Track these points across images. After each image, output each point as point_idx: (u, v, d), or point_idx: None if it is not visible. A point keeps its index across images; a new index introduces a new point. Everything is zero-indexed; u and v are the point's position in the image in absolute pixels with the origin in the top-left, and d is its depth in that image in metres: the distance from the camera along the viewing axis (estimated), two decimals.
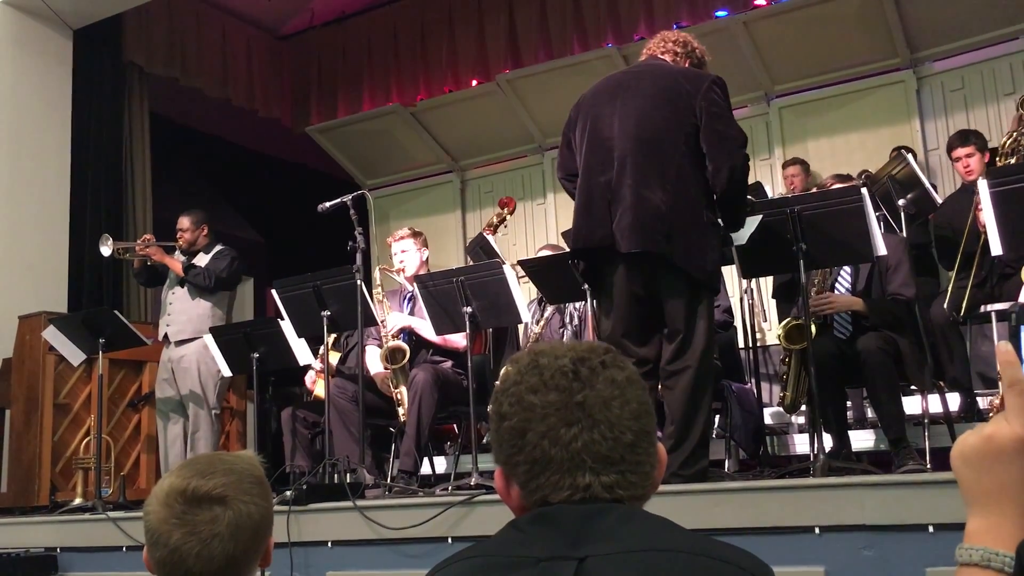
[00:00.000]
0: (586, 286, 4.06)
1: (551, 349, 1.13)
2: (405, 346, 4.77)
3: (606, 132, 3.52)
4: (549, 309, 5.11)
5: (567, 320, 5.03)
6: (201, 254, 5.71)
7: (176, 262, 5.66)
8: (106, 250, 5.68)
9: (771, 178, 6.97)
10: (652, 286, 3.47)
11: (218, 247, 5.74)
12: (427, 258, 5.15)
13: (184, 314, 5.62)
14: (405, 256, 5.06)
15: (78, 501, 5.15)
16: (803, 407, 4.22)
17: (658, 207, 3.35)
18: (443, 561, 1.12)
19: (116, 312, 5.24)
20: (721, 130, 3.41)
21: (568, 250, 4.66)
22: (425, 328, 4.73)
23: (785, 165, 6.59)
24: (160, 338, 5.72)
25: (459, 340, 4.70)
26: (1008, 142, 4.84)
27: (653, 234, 3.36)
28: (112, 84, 7.47)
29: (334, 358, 5.22)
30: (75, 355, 5.24)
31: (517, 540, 1.07)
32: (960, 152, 4.96)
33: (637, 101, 3.50)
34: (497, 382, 1.18)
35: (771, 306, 5.62)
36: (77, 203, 6.93)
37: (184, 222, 5.76)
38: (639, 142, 3.43)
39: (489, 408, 1.17)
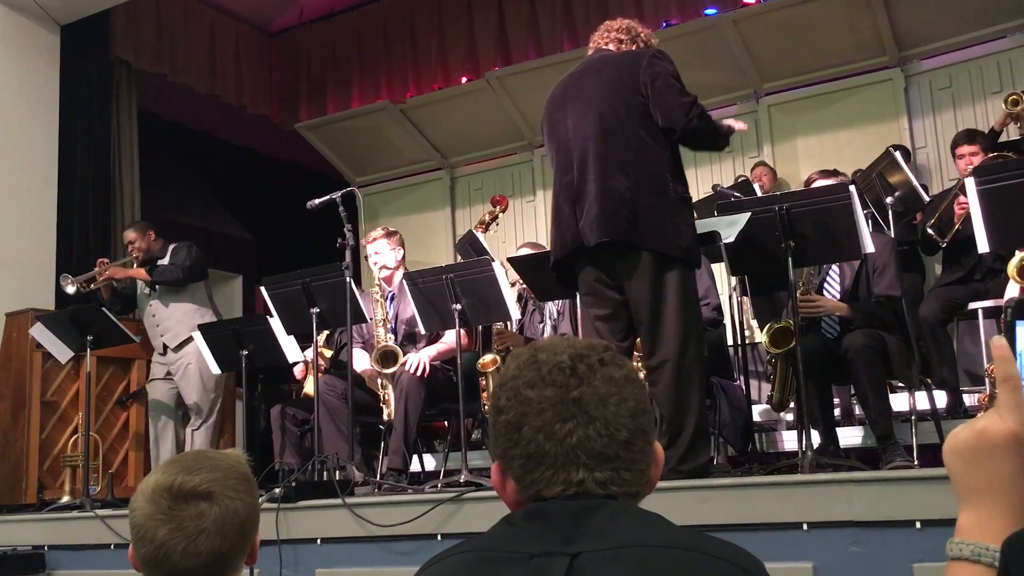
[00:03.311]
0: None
1: (551, 345, 1.14)
2: (397, 349, 4.75)
3: (562, 136, 3.56)
4: (529, 305, 5.13)
5: (547, 315, 5.05)
6: (160, 263, 5.75)
7: (139, 271, 5.73)
8: (71, 288, 5.71)
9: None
10: (617, 276, 3.47)
11: (172, 245, 5.77)
12: (403, 257, 5.12)
13: (171, 319, 5.66)
14: (379, 257, 5.04)
15: (66, 499, 5.13)
16: (791, 405, 4.23)
17: (621, 193, 3.36)
18: (436, 556, 1.13)
19: (104, 309, 5.23)
20: (670, 100, 3.42)
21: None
22: (441, 348, 4.77)
23: (753, 167, 6.65)
24: (159, 351, 5.75)
25: (449, 343, 4.69)
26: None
27: (619, 221, 3.36)
28: (100, 80, 7.43)
29: (327, 355, 5.22)
30: (63, 352, 5.21)
31: (510, 535, 1.07)
32: (965, 150, 4.98)
33: (584, 98, 3.53)
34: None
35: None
36: (65, 200, 6.90)
37: (130, 235, 5.86)
38: (595, 136, 3.45)
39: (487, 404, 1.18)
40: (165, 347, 5.69)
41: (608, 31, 3.75)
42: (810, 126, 7.01)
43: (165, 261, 5.71)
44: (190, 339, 5.51)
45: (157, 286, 5.69)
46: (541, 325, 5.06)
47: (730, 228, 3.65)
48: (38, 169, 6.74)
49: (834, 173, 4.71)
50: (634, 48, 3.68)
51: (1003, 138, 5.58)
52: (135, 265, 5.76)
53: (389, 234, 5.13)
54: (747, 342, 5.20)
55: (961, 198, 4.56)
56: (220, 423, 5.78)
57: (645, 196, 3.38)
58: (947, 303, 4.73)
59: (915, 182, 5.14)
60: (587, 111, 3.50)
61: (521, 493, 1.11)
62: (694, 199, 6.00)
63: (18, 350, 5.74)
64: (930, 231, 4.76)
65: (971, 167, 4.84)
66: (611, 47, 3.71)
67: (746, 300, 5.12)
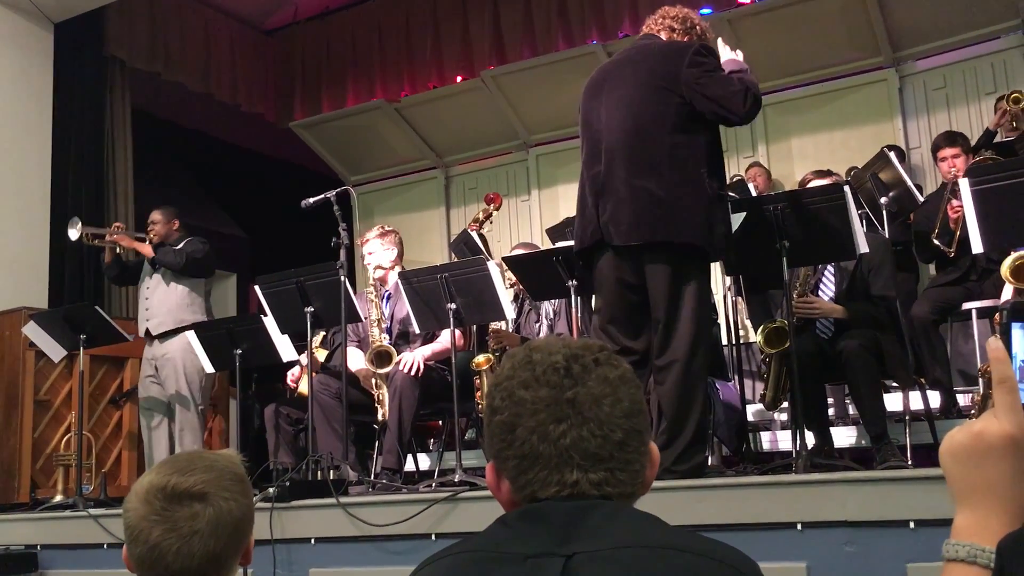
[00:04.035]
0: (571, 283, 4.07)
1: (546, 345, 1.13)
2: (392, 349, 4.74)
3: (595, 125, 3.53)
4: (525, 305, 5.12)
5: (543, 315, 5.04)
6: (169, 245, 5.69)
7: (144, 246, 5.66)
8: (74, 233, 5.67)
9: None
10: (641, 274, 3.46)
11: (189, 238, 5.74)
12: (397, 256, 5.08)
13: (163, 305, 5.60)
14: (372, 258, 5.03)
15: (59, 498, 5.12)
16: (784, 404, 4.24)
17: (654, 193, 3.33)
18: (432, 556, 1.13)
19: (97, 308, 5.21)
20: (722, 93, 3.35)
21: (551, 247, 4.69)
22: (436, 347, 4.76)
23: (748, 168, 6.67)
24: (142, 334, 5.68)
25: (445, 343, 4.68)
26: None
27: (652, 222, 3.34)
28: (94, 78, 7.41)
29: (321, 355, 5.20)
30: (56, 351, 5.19)
31: (505, 536, 1.07)
32: (947, 152, 5.00)
33: (621, 91, 3.49)
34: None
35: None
36: (58, 198, 6.88)
37: (156, 215, 5.77)
38: (626, 132, 3.41)
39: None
40: (149, 334, 5.64)
41: (664, 17, 3.67)
42: (805, 126, 7.02)
43: (176, 247, 5.68)
44: (174, 332, 5.50)
45: (159, 268, 5.66)
46: (537, 325, 5.05)
47: None
48: (31, 167, 6.72)
49: (828, 173, 4.71)
50: (686, 40, 3.62)
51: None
52: (146, 242, 5.74)
53: (383, 234, 5.10)
54: (741, 342, 5.21)
55: (954, 202, 4.57)
56: (203, 422, 5.72)
57: (679, 194, 3.34)
58: (939, 304, 4.74)
59: (909, 183, 5.15)
60: (621, 104, 3.46)
61: (516, 494, 1.11)
62: None
63: (11, 349, 5.72)
64: (937, 242, 4.76)
65: (954, 169, 4.88)
66: (663, 35, 3.65)
67: (740, 300, 5.13)
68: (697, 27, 3.68)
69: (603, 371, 1.10)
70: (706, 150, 3.43)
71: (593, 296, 3.84)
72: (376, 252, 5.02)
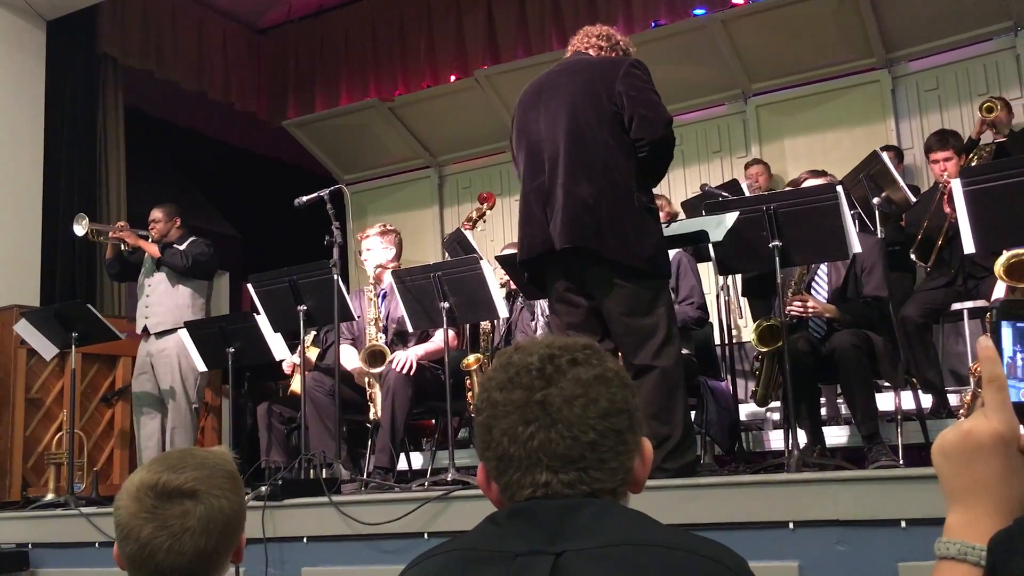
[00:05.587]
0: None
1: (528, 346, 1.14)
2: (385, 348, 4.73)
3: (534, 136, 3.53)
4: (519, 303, 5.11)
5: (538, 313, 5.03)
6: (174, 246, 5.68)
7: (151, 245, 5.66)
8: (80, 229, 5.66)
9: None
10: (587, 288, 3.46)
11: (192, 238, 5.73)
12: (395, 255, 5.07)
13: (163, 304, 5.59)
14: (370, 255, 5.02)
15: (50, 497, 5.10)
16: (774, 402, 4.25)
17: (585, 200, 3.34)
18: (422, 554, 1.13)
19: (89, 306, 5.18)
20: (644, 113, 3.39)
21: None
22: (430, 347, 4.74)
23: (748, 165, 6.67)
24: (139, 331, 5.68)
25: (439, 343, 4.67)
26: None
27: (582, 229, 3.34)
28: (86, 76, 7.40)
29: (313, 354, 5.19)
30: (47, 349, 5.18)
31: (495, 534, 1.07)
32: (939, 155, 5.01)
33: (559, 100, 3.50)
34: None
35: (746, 303, 5.64)
36: (50, 196, 6.86)
37: (156, 214, 5.76)
38: (566, 140, 3.42)
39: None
40: (146, 330, 5.63)
41: (588, 36, 3.73)
42: (798, 127, 7.04)
43: (181, 248, 5.67)
44: (172, 331, 5.48)
45: (162, 267, 5.65)
46: (533, 323, 5.04)
47: (718, 228, 3.65)
48: (23, 165, 6.70)
49: (823, 174, 4.73)
50: (613, 56, 3.67)
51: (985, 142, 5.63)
52: (150, 240, 5.73)
53: (384, 232, 5.09)
54: (734, 341, 5.21)
55: (947, 210, 4.59)
56: (196, 421, 5.71)
57: (608, 204, 3.34)
58: (926, 307, 4.75)
59: (902, 183, 5.17)
60: (560, 112, 3.47)
61: (502, 493, 1.12)
62: (683, 199, 6.09)
63: (2, 347, 5.70)
64: (913, 257, 4.78)
65: (946, 173, 4.90)
66: (591, 52, 3.69)
67: (733, 300, 5.14)
68: (621, 43, 3.73)
69: (578, 371, 1.09)
70: (636, 165, 3.43)
71: (548, 308, 3.81)
72: (374, 249, 5.02)
